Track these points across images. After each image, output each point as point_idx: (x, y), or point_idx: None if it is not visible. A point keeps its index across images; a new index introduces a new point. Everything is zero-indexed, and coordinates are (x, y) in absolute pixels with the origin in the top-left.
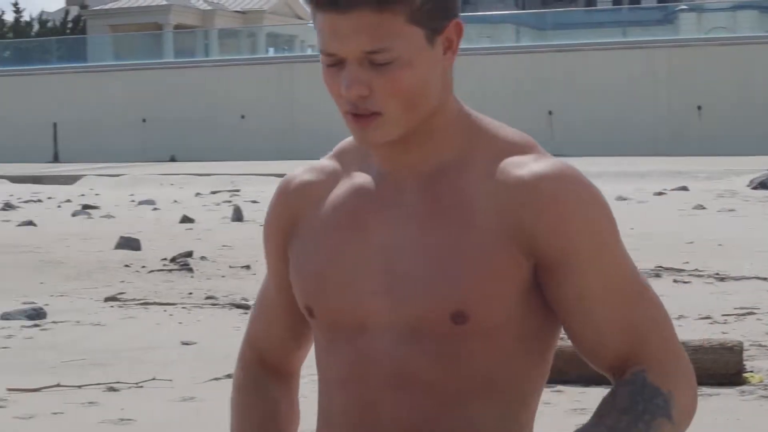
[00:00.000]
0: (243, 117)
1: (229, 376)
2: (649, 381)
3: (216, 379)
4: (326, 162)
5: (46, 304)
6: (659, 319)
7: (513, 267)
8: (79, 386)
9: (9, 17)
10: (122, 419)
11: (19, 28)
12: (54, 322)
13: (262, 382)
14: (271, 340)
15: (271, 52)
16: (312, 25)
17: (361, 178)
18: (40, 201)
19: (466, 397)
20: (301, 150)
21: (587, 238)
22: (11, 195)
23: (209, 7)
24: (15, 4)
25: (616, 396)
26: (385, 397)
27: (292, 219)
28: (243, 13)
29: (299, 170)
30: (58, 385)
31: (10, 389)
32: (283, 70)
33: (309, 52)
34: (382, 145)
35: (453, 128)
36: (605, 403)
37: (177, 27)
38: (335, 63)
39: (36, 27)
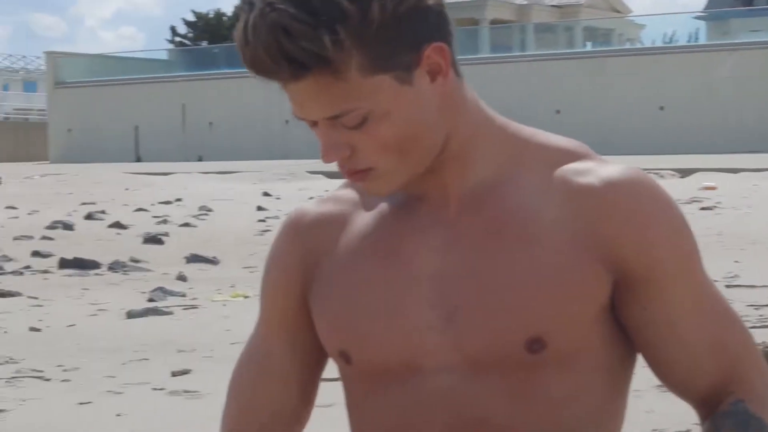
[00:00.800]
0: (558, 112)
1: None
2: (751, 411)
3: None
4: (342, 191)
5: None
6: (749, 342)
7: (593, 283)
8: None
9: None
10: None
11: None
12: None
13: None
14: (273, 411)
15: (588, 47)
16: (630, 18)
17: (390, 203)
18: None
19: None
20: (615, 145)
21: (674, 250)
22: (326, 190)
23: (525, 2)
24: None
25: (720, 429)
26: None
27: (310, 258)
28: (559, 7)
29: (311, 203)
30: None
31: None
32: (599, 64)
33: (627, 45)
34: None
35: (485, 145)
36: None
37: (493, 22)
38: (314, 123)
39: None
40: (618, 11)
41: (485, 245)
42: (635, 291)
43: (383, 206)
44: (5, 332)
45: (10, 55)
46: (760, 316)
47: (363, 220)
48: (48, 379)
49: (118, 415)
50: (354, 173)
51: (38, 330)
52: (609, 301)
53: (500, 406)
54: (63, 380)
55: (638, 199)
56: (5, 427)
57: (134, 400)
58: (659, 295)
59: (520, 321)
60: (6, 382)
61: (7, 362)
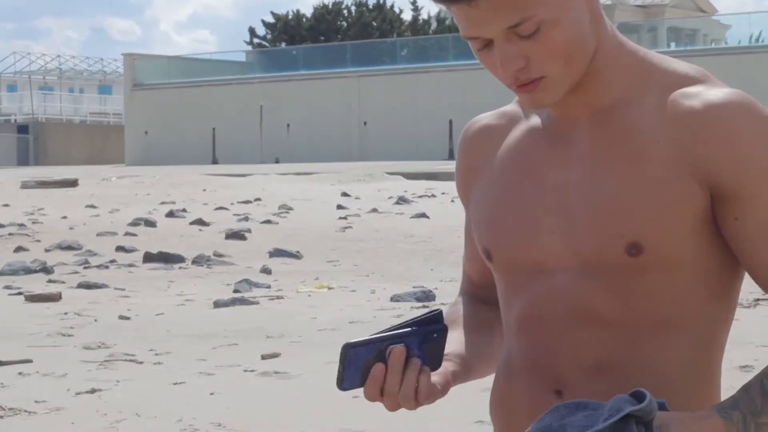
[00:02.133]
0: None
1: None
2: None
3: None
4: (510, 107)
5: (435, 288)
6: None
7: (688, 198)
8: None
9: (407, 16)
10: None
11: (417, 27)
12: (443, 303)
13: (471, 300)
14: (473, 270)
15: (672, 47)
16: (715, 18)
17: (536, 121)
18: (433, 196)
19: (645, 335)
20: None
21: (763, 167)
22: (405, 190)
23: (609, 2)
24: (413, 3)
25: None
26: (565, 336)
27: (470, 165)
28: (644, 7)
29: (482, 115)
30: None
31: None
32: None
33: (711, 45)
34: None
35: (617, 66)
36: None
37: None
38: (483, 45)
39: (434, 25)
40: (703, 11)
41: (602, 160)
42: (728, 204)
43: (531, 123)
44: (95, 320)
45: (87, 58)
46: None
47: (516, 134)
48: (141, 362)
49: (212, 393)
50: (526, 84)
51: (127, 318)
52: (708, 214)
53: (607, 303)
54: (155, 363)
55: (733, 120)
56: (101, 404)
57: (226, 381)
58: (749, 208)
59: (621, 228)
60: (99, 365)
61: (99, 347)
